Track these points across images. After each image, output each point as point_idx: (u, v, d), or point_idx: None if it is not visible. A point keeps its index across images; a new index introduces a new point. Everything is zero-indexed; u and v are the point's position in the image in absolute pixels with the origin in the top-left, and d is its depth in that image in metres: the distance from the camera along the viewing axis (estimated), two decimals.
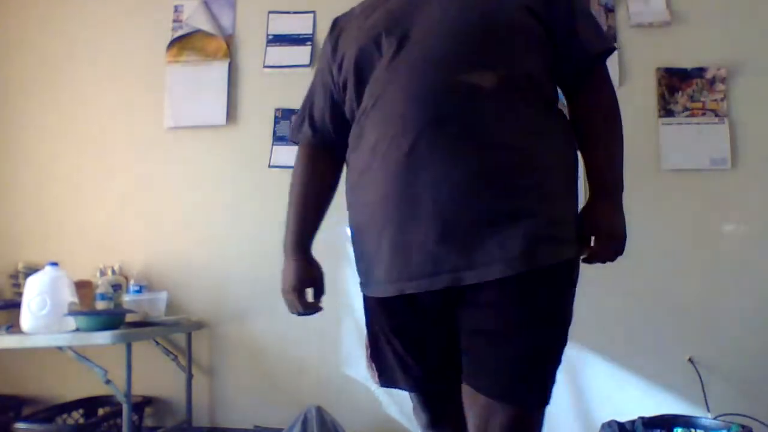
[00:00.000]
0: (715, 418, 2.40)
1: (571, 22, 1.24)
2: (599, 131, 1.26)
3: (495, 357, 1.11)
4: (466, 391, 1.15)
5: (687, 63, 2.72)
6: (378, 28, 1.24)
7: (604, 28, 2.73)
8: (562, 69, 1.26)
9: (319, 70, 1.43)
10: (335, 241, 2.78)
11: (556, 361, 1.16)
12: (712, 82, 2.70)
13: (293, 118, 1.62)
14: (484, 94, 1.13)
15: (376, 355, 1.32)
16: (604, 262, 1.25)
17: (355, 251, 1.30)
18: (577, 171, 1.27)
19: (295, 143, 1.46)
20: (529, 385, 1.11)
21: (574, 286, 1.21)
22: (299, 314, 1.40)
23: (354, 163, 1.28)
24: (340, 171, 1.43)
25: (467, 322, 1.14)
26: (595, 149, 1.26)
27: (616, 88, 1.33)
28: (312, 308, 1.41)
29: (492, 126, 1.13)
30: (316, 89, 1.42)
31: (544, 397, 1.13)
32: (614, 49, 1.33)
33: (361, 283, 1.30)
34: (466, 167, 1.10)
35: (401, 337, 1.25)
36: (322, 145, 1.41)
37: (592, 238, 1.23)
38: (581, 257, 1.24)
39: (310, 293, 1.42)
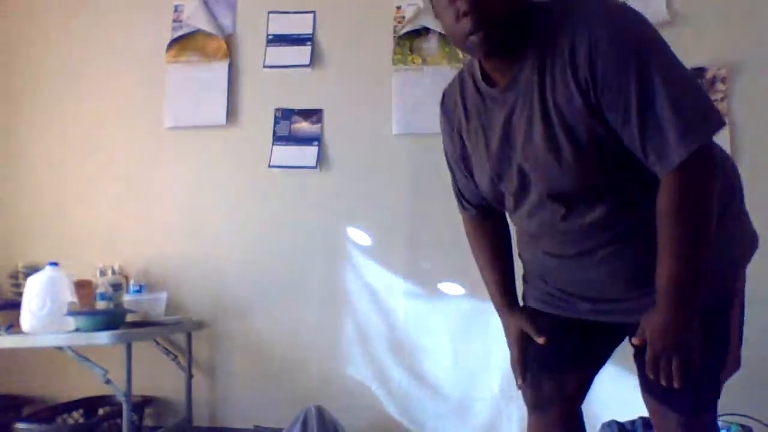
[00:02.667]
0: None
1: (640, 140, 1.20)
2: (663, 235, 1.21)
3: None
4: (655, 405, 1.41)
5: (687, 63, 2.68)
6: (491, 171, 1.32)
7: None
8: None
9: (447, 149, 1.46)
10: (335, 242, 2.79)
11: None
12: (712, 82, 2.70)
13: None
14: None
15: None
16: (656, 371, 1.34)
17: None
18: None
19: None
20: (710, 397, 1.40)
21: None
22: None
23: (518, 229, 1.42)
24: (507, 226, 1.51)
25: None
26: (660, 253, 1.22)
27: None
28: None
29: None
30: (455, 172, 1.47)
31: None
32: (710, 134, 1.20)
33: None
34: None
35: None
36: (487, 215, 1.49)
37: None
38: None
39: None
